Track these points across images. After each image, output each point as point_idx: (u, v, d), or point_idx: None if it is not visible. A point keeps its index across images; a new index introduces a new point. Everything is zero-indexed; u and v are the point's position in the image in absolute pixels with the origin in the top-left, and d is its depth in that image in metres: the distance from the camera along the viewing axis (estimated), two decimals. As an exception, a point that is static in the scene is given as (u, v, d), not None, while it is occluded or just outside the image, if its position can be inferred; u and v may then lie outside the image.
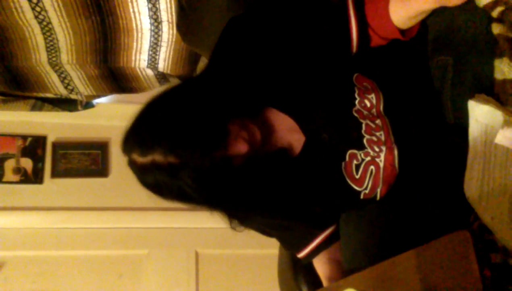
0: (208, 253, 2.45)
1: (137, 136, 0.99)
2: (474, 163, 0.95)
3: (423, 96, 1.13)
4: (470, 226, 0.92)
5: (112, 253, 2.36)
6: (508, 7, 0.96)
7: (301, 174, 1.12)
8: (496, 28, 0.97)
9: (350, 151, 1.09)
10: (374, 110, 1.10)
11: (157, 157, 0.95)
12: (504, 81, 0.96)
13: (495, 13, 0.98)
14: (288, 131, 1.11)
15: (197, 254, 2.43)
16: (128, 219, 2.40)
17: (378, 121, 1.09)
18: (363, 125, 1.08)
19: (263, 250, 2.34)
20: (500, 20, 0.97)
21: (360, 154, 1.09)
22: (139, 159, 0.97)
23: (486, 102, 0.95)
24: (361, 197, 1.11)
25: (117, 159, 2.44)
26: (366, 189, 1.10)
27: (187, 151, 0.94)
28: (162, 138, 0.95)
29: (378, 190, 1.10)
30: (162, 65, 2.05)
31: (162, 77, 2.15)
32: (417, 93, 1.14)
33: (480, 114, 0.95)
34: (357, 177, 1.09)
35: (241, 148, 0.99)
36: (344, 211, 1.19)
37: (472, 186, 0.94)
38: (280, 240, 1.35)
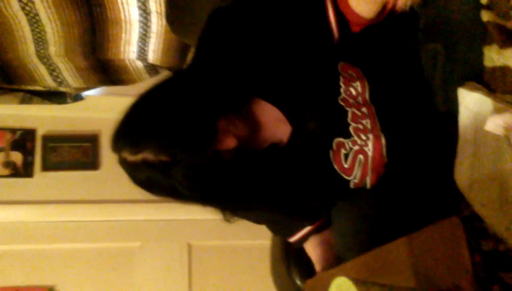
0: (201, 244, 2.45)
1: (127, 135, 0.99)
2: (464, 150, 0.96)
3: (413, 84, 1.13)
4: (461, 213, 0.92)
5: (105, 246, 2.36)
6: (497, -6, 0.96)
7: (290, 165, 1.12)
8: (485, 15, 0.97)
9: (336, 139, 1.09)
10: (360, 98, 1.11)
11: (148, 155, 0.95)
12: (494, 68, 0.96)
13: (484, 0, 0.98)
14: (275, 122, 1.11)
15: (189, 245, 2.43)
16: (120, 211, 2.40)
17: (364, 109, 1.10)
18: (349, 114, 1.09)
19: (255, 241, 2.35)
20: (489, 7, 0.97)
21: (347, 143, 1.09)
22: (130, 157, 0.97)
23: (476, 89, 0.95)
24: (351, 186, 1.11)
25: (108, 152, 2.40)
26: (355, 178, 1.10)
27: (177, 149, 0.95)
28: (152, 137, 0.95)
29: (368, 179, 1.11)
30: (151, 57, 2.04)
31: (152, 68, 2.14)
32: (406, 81, 1.14)
33: (470, 101, 0.95)
34: (346, 166, 1.10)
35: (230, 143, 1.00)
36: (335, 200, 1.19)
37: (463, 173, 0.95)
38: (270, 228, 1.36)
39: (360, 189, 1.12)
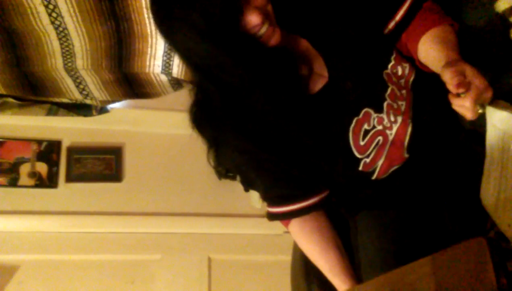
0: (221, 258, 2.44)
1: None
2: (491, 170, 0.94)
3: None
4: (486, 233, 0.90)
5: (125, 258, 2.36)
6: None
7: (311, 114, 1.10)
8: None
9: (366, 109, 1.08)
10: (403, 81, 1.10)
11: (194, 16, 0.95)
12: (522, 87, 0.95)
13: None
14: (313, 67, 1.10)
15: (209, 259, 2.43)
16: (141, 223, 2.41)
17: (404, 91, 1.10)
18: (389, 89, 1.08)
19: (276, 256, 2.33)
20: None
21: (374, 118, 1.08)
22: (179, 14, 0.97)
23: (504, 108, 0.94)
24: (360, 167, 1.09)
25: (131, 164, 2.46)
26: (368, 157, 1.08)
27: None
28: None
29: (379, 163, 1.09)
30: (176, 71, 2.06)
31: (176, 82, 2.16)
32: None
33: (498, 120, 0.94)
34: (362, 143, 1.08)
35: (255, 17, 0.97)
36: (338, 178, 1.16)
37: (489, 193, 0.93)
38: (255, 185, 1.26)
39: (367, 174, 1.10)
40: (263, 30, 0.99)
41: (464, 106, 0.89)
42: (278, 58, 1.04)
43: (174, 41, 1.03)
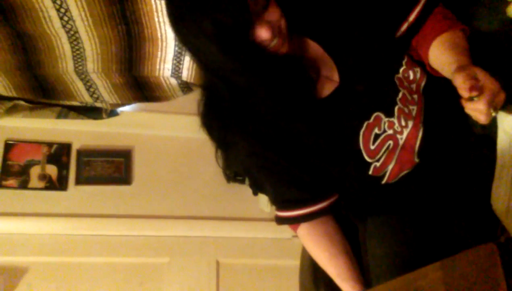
0: (229, 262, 2.44)
1: None
2: (502, 175, 0.94)
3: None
4: (497, 239, 0.90)
5: (133, 261, 2.37)
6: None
7: (321, 118, 1.10)
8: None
9: (377, 113, 1.08)
10: (414, 85, 1.10)
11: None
12: (533, 92, 0.94)
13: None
14: (324, 71, 1.10)
15: (218, 263, 2.43)
16: (150, 226, 2.41)
17: (415, 96, 1.09)
18: (400, 94, 1.08)
19: (284, 260, 2.33)
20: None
21: (384, 122, 1.07)
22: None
23: (514, 113, 0.93)
24: (370, 171, 1.09)
25: (140, 167, 2.46)
26: (378, 161, 1.08)
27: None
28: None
29: (389, 168, 1.09)
30: (186, 74, 2.07)
31: (185, 86, 2.17)
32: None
33: (508, 125, 0.94)
34: (372, 147, 1.08)
35: (265, 32, 0.98)
36: (348, 182, 1.16)
37: (500, 198, 0.93)
38: (264, 188, 1.25)
39: (377, 178, 1.09)
40: (272, 44, 1.00)
41: (478, 110, 0.88)
42: (286, 66, 1.04)
43: (185, 41, 1.04)
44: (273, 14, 0.99)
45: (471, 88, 0.86)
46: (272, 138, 1.10)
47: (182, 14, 0.98)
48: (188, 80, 2.10)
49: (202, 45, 0.99)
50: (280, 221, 1.23)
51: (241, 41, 0.97)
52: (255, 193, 2.40)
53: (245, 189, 2.43)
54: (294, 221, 1.21)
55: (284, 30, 1.01)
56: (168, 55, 1.99)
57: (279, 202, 1.22)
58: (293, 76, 1.06)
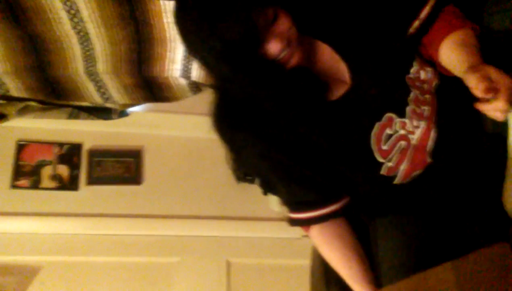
0: (240, 262, 2.44)
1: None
2: (513, 174, 0.93)
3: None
4: (509, 238, 0.89)
5: (144, 260, 2.38)
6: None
7: (332, 120, 1.10)
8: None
9: (388, 114, 1.07)
10: (426, 85, 1.09)
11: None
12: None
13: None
14: (335, 73, 1.10)
15: (228, 263, 2.43)
16: (160, 226, 2.42)
17: (427, 96, 1.08)
18: (412, 94, 1.07)
19: (295, 260, 2.32)
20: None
21: (396, 123, 1.07)
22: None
23: (526, 111, 0.92)
24: (382, 171, 1.08)
25: (150, 167, 2.47)
26: (390, 161, 1.08)
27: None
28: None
29: (402, 167, 1.08)
30: (195, 75, 2.07)
31: (194, 86, 2.17)
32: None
33: (520, 124, 0.93)
34: (384, 147, 1.07)
35: (275, 45, 0.99)
36: (359, 182, 1.16)
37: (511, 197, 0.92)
38: (276, 190, 1.26)
39: (389, 178, 1.09)
40: (282, 55, 1.00)
41: (496, 109, 0.87)
42: (296, 78, 1.05)
43: (195, 56, 1.06)
44: (283, 25, 1.00)
45: (487, 90, 0.86)
46: (284, 141, 1.10)
47: (191, 32, 0.99)
48: (198, 81, 2.10)
49: (212, 62, 0.99)
50: (293, 223, 1.23)
51: (250, 58, 0.98)
52: (265, 193, 2.40)
53: (255, 189, 2.43)
54: (306, 223, 1.21)
55: (295, 41, 1.01)
56: (177, 56, 1.99)
57: (292, 203, 1.22)
58: (305, 86, 1.06)
